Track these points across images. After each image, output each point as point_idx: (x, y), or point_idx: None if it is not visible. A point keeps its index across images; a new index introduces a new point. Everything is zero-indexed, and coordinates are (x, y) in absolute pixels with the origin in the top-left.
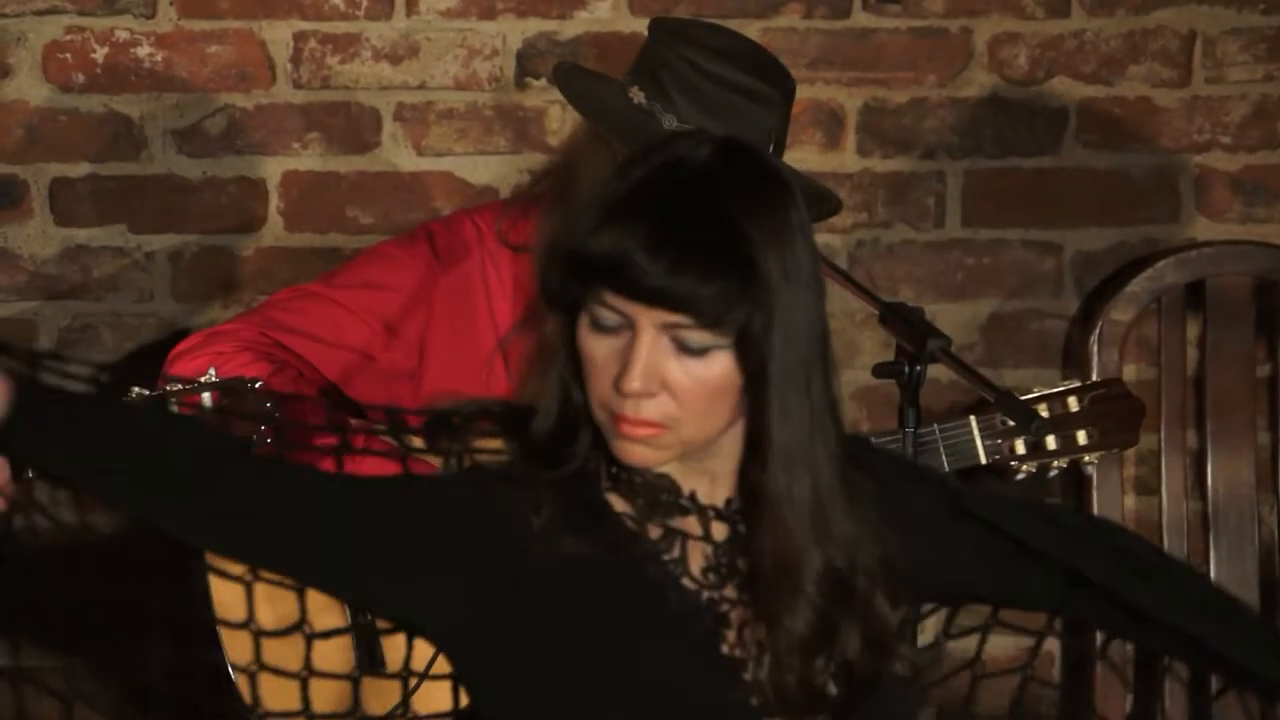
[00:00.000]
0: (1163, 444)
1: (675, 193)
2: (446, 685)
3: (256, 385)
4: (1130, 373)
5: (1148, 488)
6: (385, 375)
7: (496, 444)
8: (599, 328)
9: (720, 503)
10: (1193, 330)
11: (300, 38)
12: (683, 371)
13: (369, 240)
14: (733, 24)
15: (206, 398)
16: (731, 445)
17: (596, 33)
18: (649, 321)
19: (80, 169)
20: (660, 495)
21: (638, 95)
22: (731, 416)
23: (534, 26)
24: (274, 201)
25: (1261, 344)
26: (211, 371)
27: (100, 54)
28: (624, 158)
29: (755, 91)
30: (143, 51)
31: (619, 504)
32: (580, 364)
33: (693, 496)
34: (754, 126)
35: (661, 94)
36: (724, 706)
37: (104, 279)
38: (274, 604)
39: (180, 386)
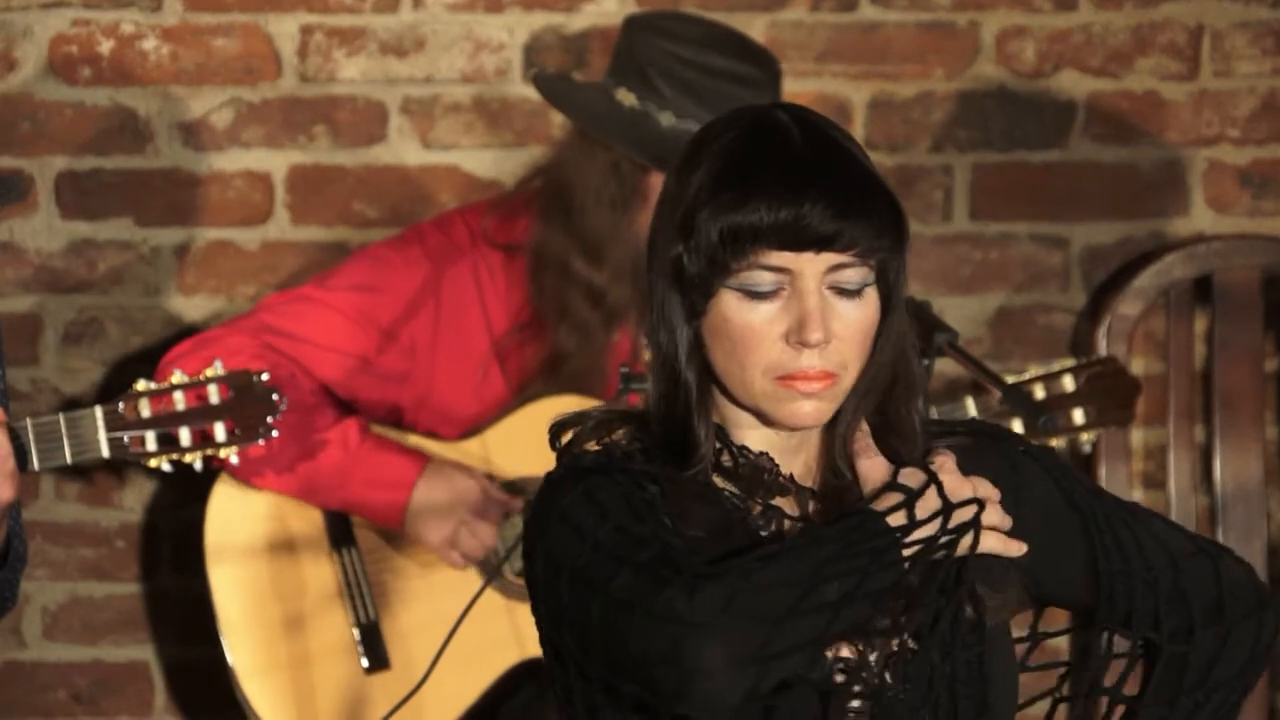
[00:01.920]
0: (1171, 438)
1: (807, 145)
2: (456, 685)
3: (264, 378)
4: (1138, 367)
5: (1155, 482)
6: (379, 378)
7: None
8: (753, 294)
9: (814, 482)
10: (1201, 324)
11: (306, 31)
12: (846, 312)
13: (375, 234)
14: (740, 17)
15: (213, 391)
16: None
17: (603, 26)
18: (812, 271)
19: (86, 162)
20: (762, 474)
21: (628, 98)
22: (865, 365)
23: (540, 20)
24: (280, 195)
25: (1270, 338)
26: (217, 364)
27: (106, 47)
28: (699, 139)
29: (745, 76)
30: (149, 45)
31: (723, 484)
32: (708, 348)
33: (791, 478)
34: None
35: (653, 92)
36: (806, 680)
37: (110, 272)
38: (280, 602)
39: (187, 380)
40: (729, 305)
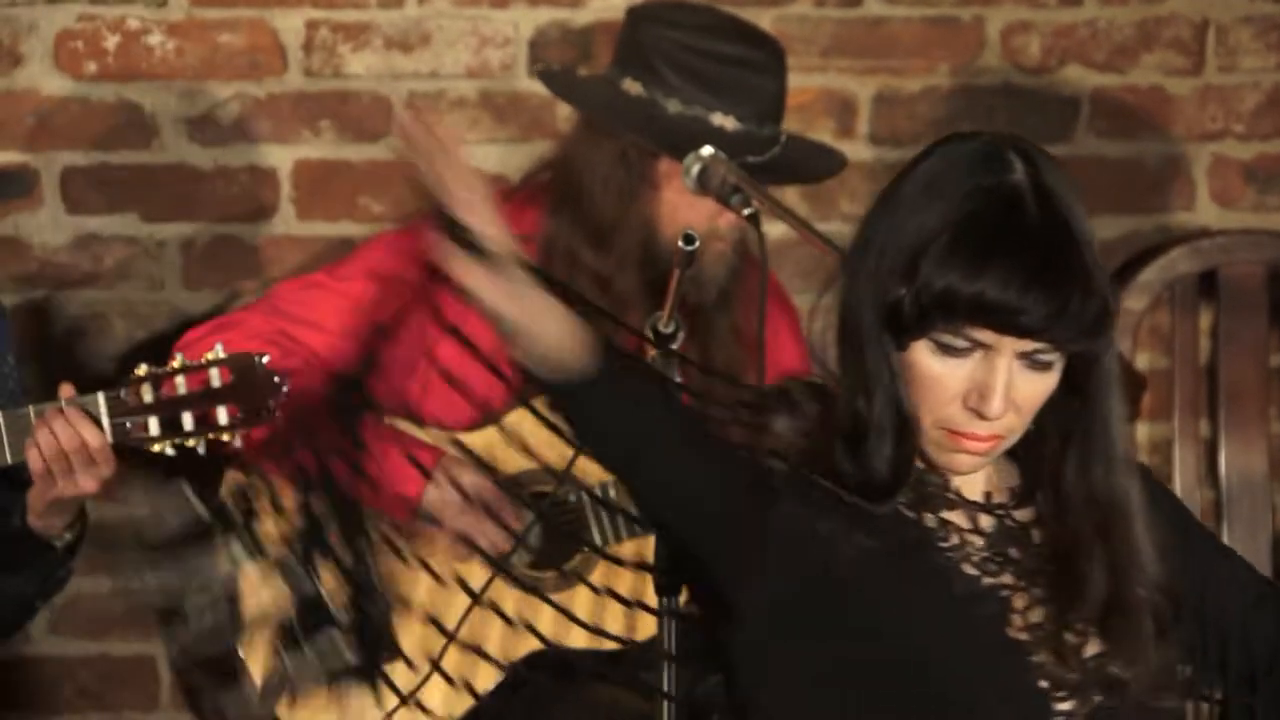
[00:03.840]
0: (1176, 433)
1: (1037, 231)
2: (464, 677)
3: (265, 360)
4: (1143, 361)
5: (1160, 476)
6: (389, 365)
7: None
8: (948, 350)
9: (980, 495)
10: (1205, 319)
11: (312, 26)
12: (1030, 387)
13: (380, 229)
14: (746, 12)
15: (215, 375)
16: None
17: (608, 20)
18: (1010, 348)
19: (91, 157)
20: (928, 488)
21: (634, 87)
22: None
23: (546, 15)
24: (285, 190)
25: (1274, 333)
26: (218, 348)
27: (112, 43)
28: (930, 179)
29: (751, 61)
30: (154, 40)
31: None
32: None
33: (958, 492)
34: (758, 95)
35: (659, 81)
36: (1013, 689)
37: (115, 268)
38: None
39: (189, 364)
40: (922, 355)
